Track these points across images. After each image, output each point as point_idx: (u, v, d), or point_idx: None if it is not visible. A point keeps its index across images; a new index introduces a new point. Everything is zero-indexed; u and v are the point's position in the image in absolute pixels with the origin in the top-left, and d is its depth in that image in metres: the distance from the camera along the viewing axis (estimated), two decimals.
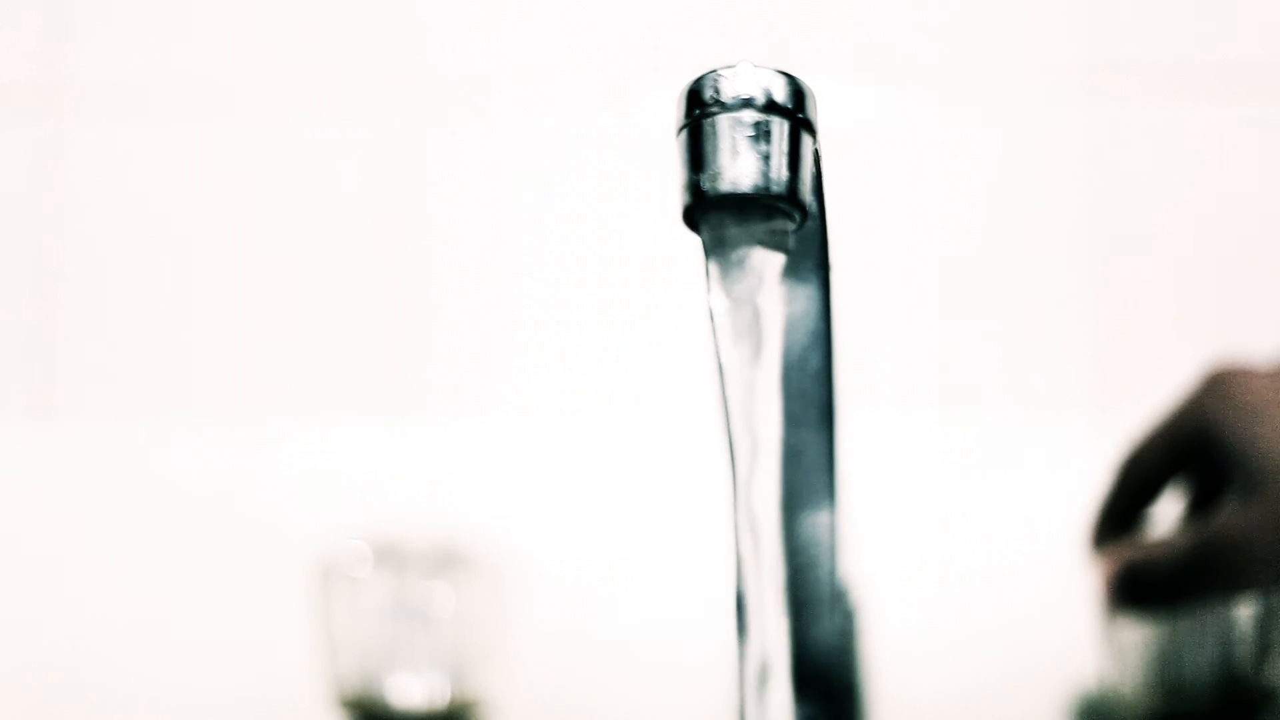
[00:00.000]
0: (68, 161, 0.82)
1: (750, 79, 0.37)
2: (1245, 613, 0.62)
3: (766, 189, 0.36)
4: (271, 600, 0.74)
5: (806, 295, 0.43)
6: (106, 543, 0.77)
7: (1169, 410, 0.60)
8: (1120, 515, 0.62)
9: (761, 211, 0.37)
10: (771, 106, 0.37)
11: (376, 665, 0.67)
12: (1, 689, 0.76)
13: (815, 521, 0.52)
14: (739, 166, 0.36)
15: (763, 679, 0.38)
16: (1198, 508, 0.61)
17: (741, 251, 0.38)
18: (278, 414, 0.80)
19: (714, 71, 0.37)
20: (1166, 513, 0.63)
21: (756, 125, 0.37)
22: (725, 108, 0.37)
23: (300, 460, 0.78)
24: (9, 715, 0.75)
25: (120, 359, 0.81)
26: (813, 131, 0.37)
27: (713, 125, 0.37)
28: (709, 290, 0.42)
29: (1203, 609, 0.62)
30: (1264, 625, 0.62)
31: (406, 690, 0.67)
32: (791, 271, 0.42)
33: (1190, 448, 0.59)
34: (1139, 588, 0.59)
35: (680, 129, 0.37)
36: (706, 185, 0.37)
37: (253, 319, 0.81)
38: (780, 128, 0.37)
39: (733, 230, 0.38)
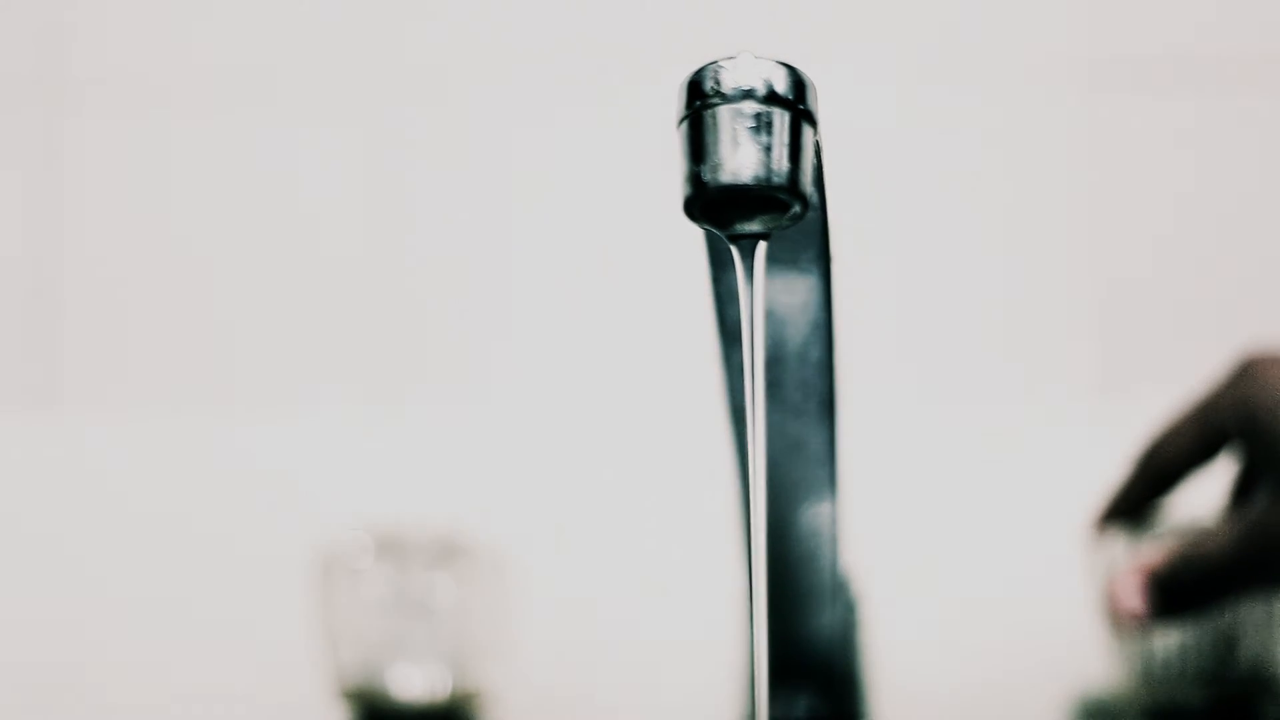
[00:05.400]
0: (70, 153, 0.82)
1: (751, 70, 0.37)
2: (1244, 608, 0.62)
3: (767, 180, 0.36)
4: (272, 592, 0.74)
5: (808, 286, 0.43)
6: (108, 534, 0.77)
7: (1198, 397, 0.59)
8: (1136, 504, 0.61)
9: (762, 203, 0.37)
10: (772, 97, 0.37)
11: (378, 657, 0.67)
12: (3, 680, 0.76)
13: (816, 513, 0.52)
14: (740, 158, 0.36)
15: (762, 670, 0.38)
16: (1240, 497, 0.60)
17: (742, 243, 0.38)
18: (279, 405, 0.80)
19: (714, 62, 0.37)
20: (1178, 504, 0.62)
21: (757, 116, 0.36)
22: (726, 99, 0.36)
23: (302, 451, 0.78)
24: (11, 707, 0.75)
25: (124, 351, 0.81)
26: (814, 123, 0.37)
27: (713, 116, 0.36)
28: (709, 280, 0.42)
29: (1245, 603, 0.61)
30: (1261, 620, 0.62)
31: (408, 681, 0.67)
32: (793, 262, 0.42)
33: (1223, 435, 0.58)
34: (1181, 590, 0.57)
35: (681, 120, 0.37)
36: (707, 176, 0.36)
37: (254, 310, 0.81)
38: (781, 119, 0.37)
39: (733, 222, 0.38)
